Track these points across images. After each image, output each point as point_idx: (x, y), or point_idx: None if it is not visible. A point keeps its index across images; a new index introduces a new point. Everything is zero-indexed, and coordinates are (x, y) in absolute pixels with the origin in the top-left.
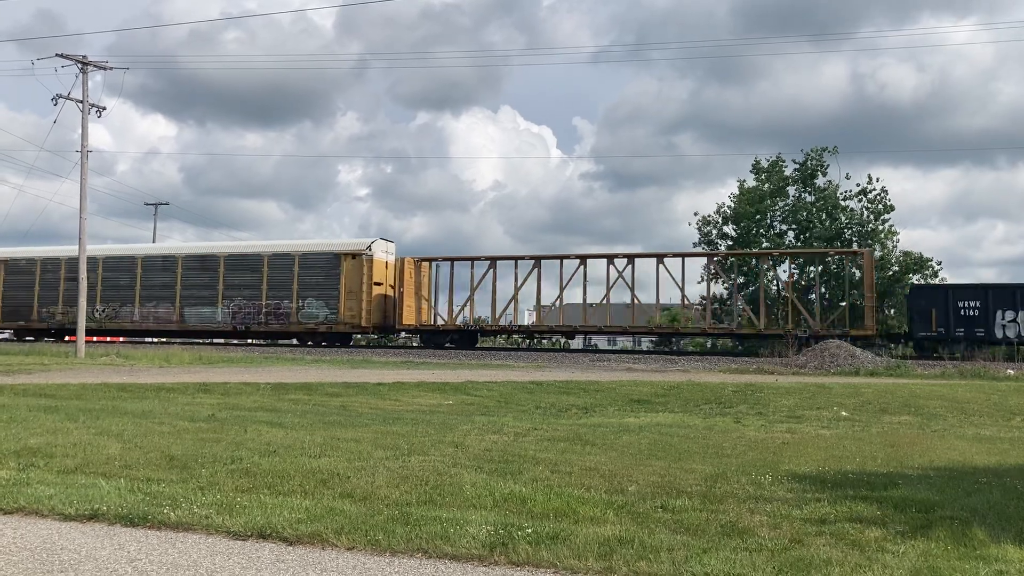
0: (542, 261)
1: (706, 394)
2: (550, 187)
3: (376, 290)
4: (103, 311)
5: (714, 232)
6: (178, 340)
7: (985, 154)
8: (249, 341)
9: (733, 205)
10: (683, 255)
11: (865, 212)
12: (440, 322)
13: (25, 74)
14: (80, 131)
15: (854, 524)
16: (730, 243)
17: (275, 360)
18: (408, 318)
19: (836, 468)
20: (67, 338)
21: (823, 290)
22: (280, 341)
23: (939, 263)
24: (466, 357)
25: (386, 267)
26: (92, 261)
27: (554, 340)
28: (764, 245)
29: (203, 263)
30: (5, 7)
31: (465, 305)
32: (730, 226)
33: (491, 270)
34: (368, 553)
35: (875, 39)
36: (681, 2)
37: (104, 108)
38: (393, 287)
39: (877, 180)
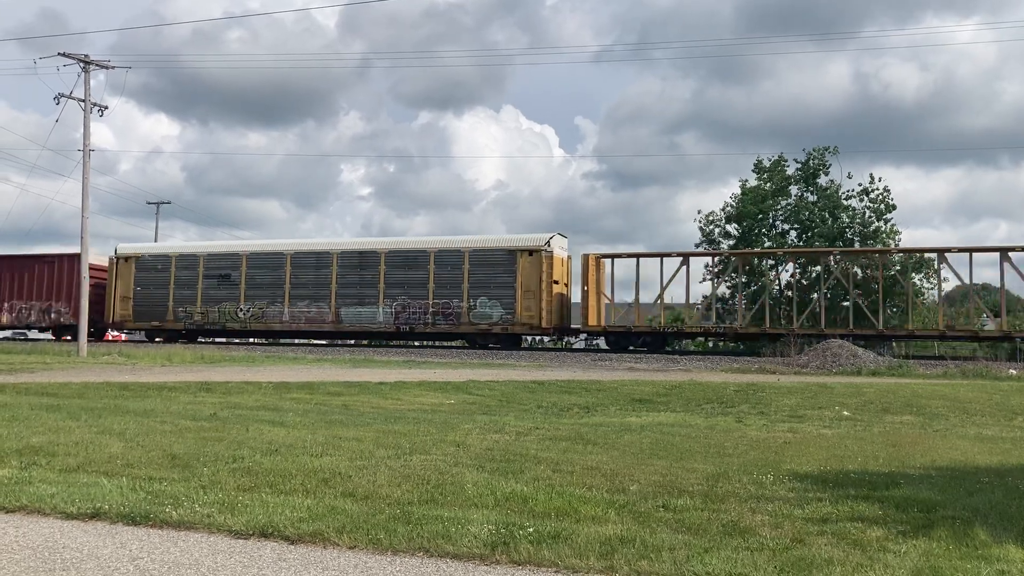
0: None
1: (708, 394)
2: (552, 186)
3: (555, 289)
4: (248, 311)
5: (716, 231)
6: (335, 342)
7: (988, 154)
8: (416, 344)
9: (736, 204)
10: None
11: (867, 212)
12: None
13: (28, 73)
14: (82, 130)
15: (856, 524)
16: (732, 242)
17: (277, 359)
18: (592, 319)
19: (838, 468)
20: (201, 339)
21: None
22: (430, 343)
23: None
24: (468, 356)
25: (562, 264)
26: (235, 257)
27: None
28: (767, 244)
29: (362, 259)
30: (8, 6)
31: (655, 304)
32: (732, 225)
33: (683, 267)
34: (370, 552)
35: (878, 39)
36: (683, 1)
37: (106, 107)
38: (567, 285)
39: (879, 179)
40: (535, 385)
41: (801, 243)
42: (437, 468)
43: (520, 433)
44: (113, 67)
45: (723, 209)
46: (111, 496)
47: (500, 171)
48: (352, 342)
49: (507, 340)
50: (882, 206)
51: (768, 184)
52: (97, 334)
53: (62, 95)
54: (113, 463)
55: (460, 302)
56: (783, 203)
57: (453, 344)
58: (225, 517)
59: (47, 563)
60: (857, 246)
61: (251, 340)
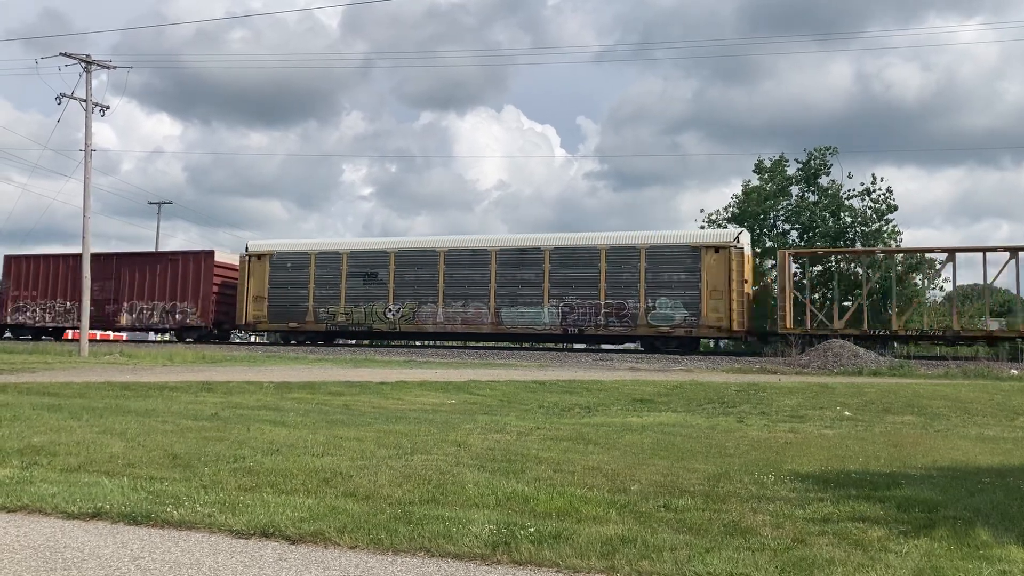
0: (956, 255)
1: (709, 394)
2: (554, 186)
3: (745, 288)
4: (397, 311)
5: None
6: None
7: (990, 154)
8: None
9: (738, 205)
10: None
11: (868, 212)
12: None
13: (30, 73)
14: (84, 130)
15: (857, 524)
16: None
17: (278, 359)
18: (789, 321)
19: (839, 468)
20: (340, 341)
21: None
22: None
23: (940, 263)
24: (469, 356)
25: (749, 262)
26: (382, 255)
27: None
28: (768, 245)
29: (523, 257)
30: (11, 6)
31: (853, 306)
32: (734, 225)
33: (893, 267)
34: (371, 552)
35: (881, 39)
36: (685, 1)
37: (107, 107)
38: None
39: (881, 180)
40: (536, 385)
41: (803, 244)
42: (438, 468)
43: (521, 433)
44: (114, 67)
45: (726, 208)
46: (112, 496)
47: (502, 171)
48: (397, 342)
49: (688, 344)
50: (884, 206)
51: (769, 184)
52: (222, 336)
53: (63, 95)
54: (114, 463)
55: (636, 302)
56: (783, 203)
57: (627, 348)
58: (226, 517)
59: (48, 563)
60: (859, 246)
61: (400, 343)
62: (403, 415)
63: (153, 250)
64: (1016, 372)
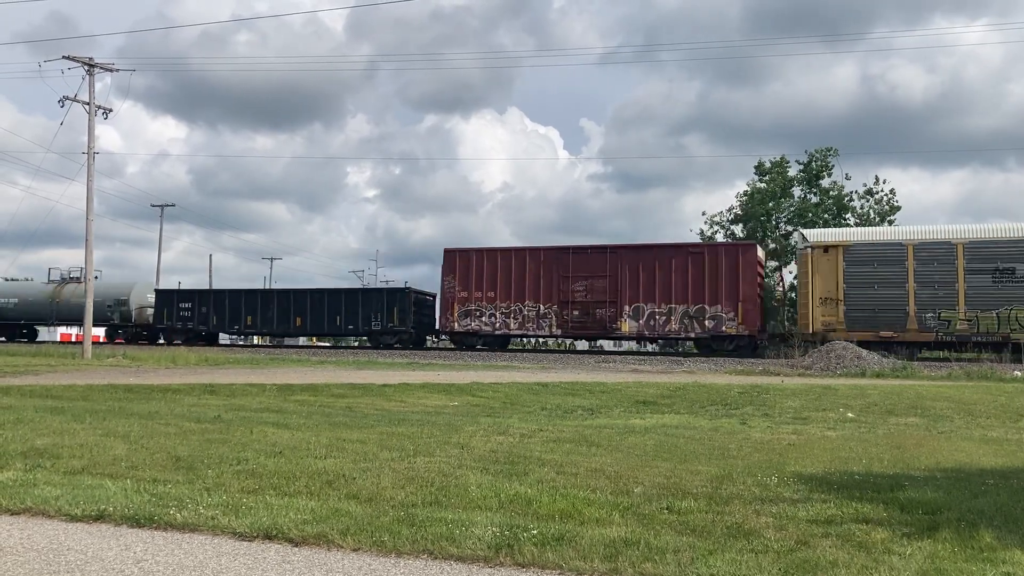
0: None
1: (712, 395)
2: (557, 188)
3: None
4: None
5: (721, 233)
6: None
7: (994, 155)
8: None
9: (741, 205)
10: None
11: (871, 212)
12: None
13: (34, 76)
14: (87, 133)
15: (860, 525)
16: None
17: (280, 361)
18: None
19: (842, 469)
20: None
21: None
22: None
23: None
24: (471, 358)
25: None
26: (946, 248)
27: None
28: (771, 247)
29: None
30: (17, 9)
31: None
32: (738, 226)
33: None
34: (373, 554)
35: (887, 40)
36: (691, 3)
37: (111, 110)
38: None
39: (884, 181)
40: (539, 387)
41: None
42: (441, 470)
43: (524, 435)
44: (117, 70)
45: (729, 210)
46: (115, 498)
47: (506, 173)
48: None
49: None
50: (887, 207)
51: (772, 185)
52: (748, 349)
53: (66, 98)
54: (117, 465)
55: None
56: (784, 204)
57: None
58: (229, 519)
59: (52, 565)
60: None
61: None
62: (406, 417)
63: (666, 242)
64: (1019, 374)
